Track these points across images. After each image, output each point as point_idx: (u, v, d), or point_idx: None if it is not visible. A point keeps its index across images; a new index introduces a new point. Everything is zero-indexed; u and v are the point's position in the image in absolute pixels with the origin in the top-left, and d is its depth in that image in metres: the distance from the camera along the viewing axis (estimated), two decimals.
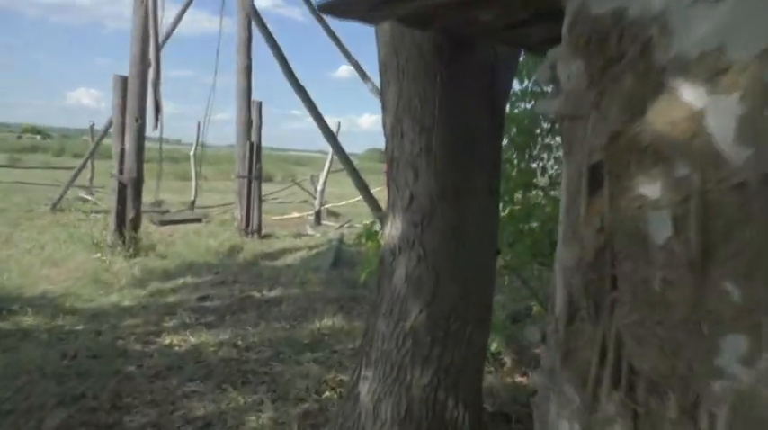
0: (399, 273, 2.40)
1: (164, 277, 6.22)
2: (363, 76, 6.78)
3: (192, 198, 12.19)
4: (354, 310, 5.23)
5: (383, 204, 3.18)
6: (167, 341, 4.19)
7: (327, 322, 4.79)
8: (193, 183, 12.48)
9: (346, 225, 11.79)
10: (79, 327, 4.47)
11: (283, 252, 8.25)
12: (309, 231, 10.75)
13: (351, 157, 6.83)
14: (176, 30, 9.00)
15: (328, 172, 12.20)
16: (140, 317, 4.82)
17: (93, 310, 5.02)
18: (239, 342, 4.19)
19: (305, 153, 79.71)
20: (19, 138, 56.26)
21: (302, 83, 4.86)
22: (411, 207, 2.36)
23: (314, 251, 8.35)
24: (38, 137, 62.34)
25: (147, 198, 10.18)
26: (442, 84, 2.26)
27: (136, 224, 7.05)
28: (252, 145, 8.94)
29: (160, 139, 8.78)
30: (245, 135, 8.98)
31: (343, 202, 14.06)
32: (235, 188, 9.40)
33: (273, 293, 5.67)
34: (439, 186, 2.31)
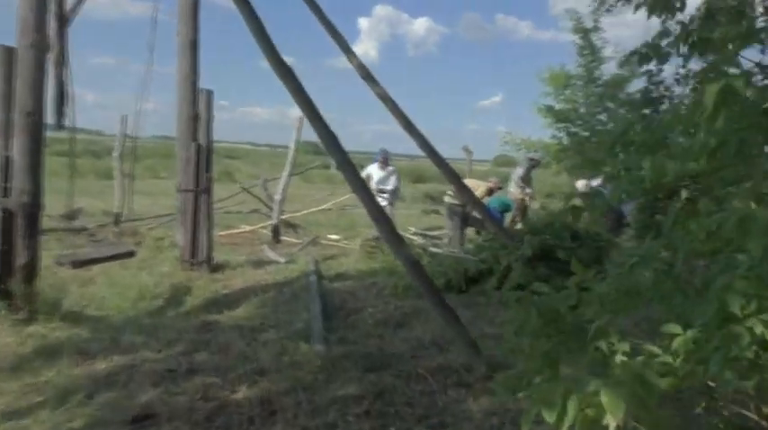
0: None
1: (72, 363, 3.98)
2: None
3: (117, 210, 9.71)
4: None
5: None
6: None
7: None
8: (117, 191, 9.97)
9: (310, 243, 9.67)
10: None
11: (246, 294, 6.10)
12: (270, 254, 8.59)
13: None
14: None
15: (290, 175, 10.03)
16: None
17: None
18: None
19: (236, 145, 75.68)
20: None
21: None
22: None
23: (287, 291, 6.25)
24: None
25: (56, 206, 7.75)
26: None
27: (30, 272, 4.72)
28: (199, 147, 6.70)
29: (71, 136, 6.42)
30: (189, 134, 6.72)
31: (303, 212, 11.90)
32: (177, 204, 7.11)
33: (257, 397, 3.56)
34: None
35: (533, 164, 11.03)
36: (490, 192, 9.33)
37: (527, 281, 5.98)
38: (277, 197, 9.92)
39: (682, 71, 5.11)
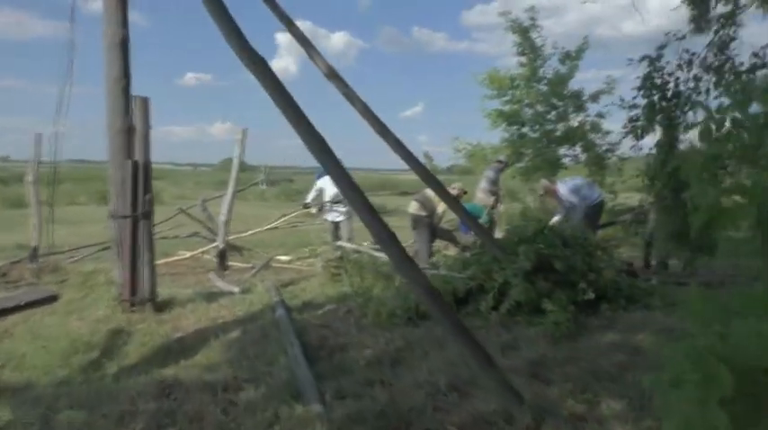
0: None
1: None
2: None
3: (34, 243, 8.38)
4: None
5: None
6: None
7: None
8: (34, 221, 8.62)
9: (262, 268, 8.70)
10: None
11: (204, 336, 5.12)
12: (219, 283, 7.57)
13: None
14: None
15: (234, 195, 9.01)
16: None
17: None
18: None
19: (158, 165, 72.12)
20: None
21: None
22: None
23: (253, 329, 5.31)
24: None
25: None
26: None
27: None
28: (137, 166, 5.66)
29: None
30: (122, 150, 5.67)
31: (249, 232, 10.85)
32: (111, 233, 6.02)
33: None
34: None
35: (502, 167, 10.54)
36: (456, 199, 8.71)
37: (528, 298, 5.35)
38: (222, 218, 8.88)
39: (685, 56, 4.71)
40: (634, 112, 5.24)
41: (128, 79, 5.53)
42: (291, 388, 3.71)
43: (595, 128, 11.50)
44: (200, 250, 9.66)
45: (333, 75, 5.34)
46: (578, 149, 11.73)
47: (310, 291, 7.07)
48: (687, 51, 4.73)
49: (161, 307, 5.97)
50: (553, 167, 11.30)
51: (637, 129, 5.19)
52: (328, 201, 9.33)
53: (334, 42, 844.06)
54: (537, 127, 11.95)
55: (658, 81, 5.03)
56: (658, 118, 4.73)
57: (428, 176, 5.74)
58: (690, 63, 4.77)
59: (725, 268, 8.46)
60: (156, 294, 5.98)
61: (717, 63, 4.68)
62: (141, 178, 5.71)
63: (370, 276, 7.21)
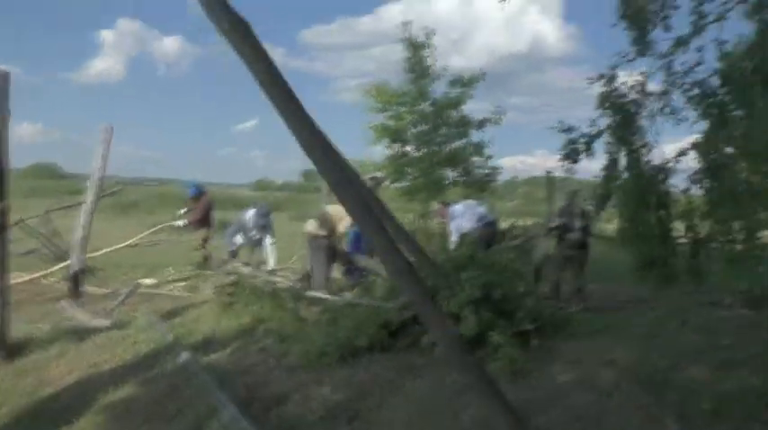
0: None
1: None
2: None
3: None
4: None
5: None
6: None
7: None
8: None
9: (129, 295, 7.25)
10: None
11: (85, 398, 3.90)
12: (79, 314, 6.15)
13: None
14: None
15: (94, 208, 7.46)
16: None
17: None
18: None
19: None
20: None
21: None
22: None
23: (151, 382, 4.18)
24: None
25: None
26: None
27: None
28: None
29: None
30: None
31: (103, 251, 9.17)
32: None
33: None
34: None
35: (377, 182, 10.10)
36: None
37: (480, 331, 4.88)
38: (78, 235, 7.31)
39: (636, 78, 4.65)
40: (573, 134, 5.13)
41: None
42: None
43: (478, 151, 11.63)
44: (41, 273, 7.93)
45: None
46: (460, 171, 11.77)
47: (205, 324, 5.97)
48: (640, 73, 4.73)
49: (13, 351, 4.56)
50: (437, 188, 11.19)
51: (574, 153, 5.07)
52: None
53: (167, 46, 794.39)
54: (421, 147, 11.80)
55: (614, 101, 5.00)
56: (619, 138, 4.64)
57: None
58: (642, 85, 4.76)
59: (610, 293, 8.84)
60: (7, 338, 4.56)
61: (664, 87, 4.69)
62: None
63: (268, 305, 6.31)
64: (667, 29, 4.76)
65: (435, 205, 8.50)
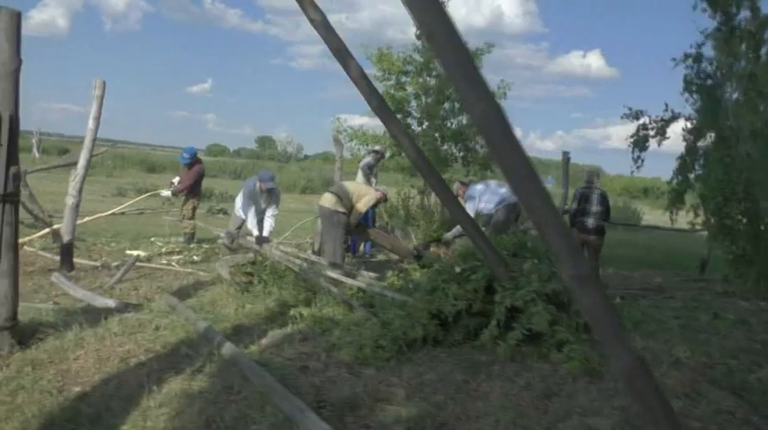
0: None
1: None
2: None
3: None
4: None
5: None
6: None
7: None
8: None
9: (128, 270, 6.55)
10: None
11: (123, 405, 3.32)
12: (80, 292, 5.48)
13: None
14: None
15: (87, 167, 6.66)
16: None
17: None
18: None
19: None
20: None
21: None
22: None
23: (198, 379, 3.62)
24: None
25: None
26: None
27: None
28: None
29: None
30: None
31: (87, 218, 8.35)
32: None
33: None
34: None
35: (379, 157, 9.58)
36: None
37: (546, 326, 4.47)
38: (71, 200, 6.52)
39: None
40: (642, 120, 4.71)
41: None
42: None
43: None
44: (25, 239, 7.12)
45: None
46: (461, 147, 11.30)
47: (222, 306, 5.39)
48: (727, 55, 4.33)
49: (24, 336, 3.91)
50: (442, 164, 10.70)
51: (641, 140, 4.67)
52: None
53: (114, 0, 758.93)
54: (424, 120, 11.25)
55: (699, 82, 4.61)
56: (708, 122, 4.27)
57: (429, 169, 4.56)
58: (731, 67, 4.38)
59: (623, 280, 8.64)
60: (17, 317, 3.90)
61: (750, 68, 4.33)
62: (5, 141, 3.62)
63: (290, 287, 5.78)
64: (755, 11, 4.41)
65: (454, 185, 8.00)
